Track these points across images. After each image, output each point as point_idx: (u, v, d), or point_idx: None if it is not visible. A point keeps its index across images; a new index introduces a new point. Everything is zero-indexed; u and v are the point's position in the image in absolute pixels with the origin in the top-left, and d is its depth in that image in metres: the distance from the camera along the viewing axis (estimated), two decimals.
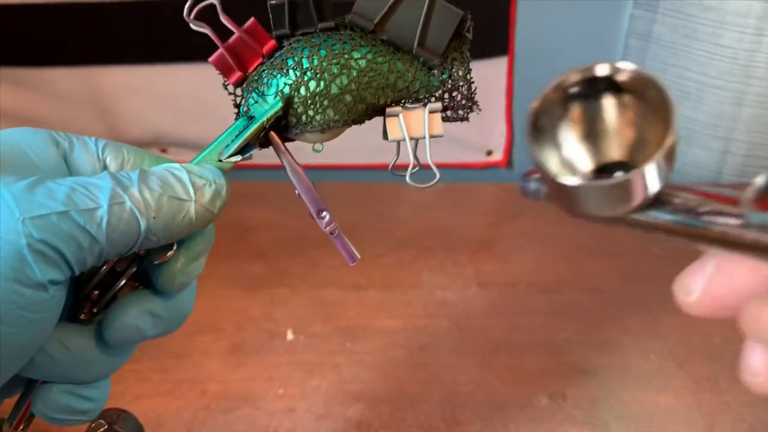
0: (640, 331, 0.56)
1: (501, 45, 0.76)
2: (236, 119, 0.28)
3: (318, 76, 0.27)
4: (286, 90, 0.27)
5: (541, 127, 0.20)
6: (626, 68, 0.19)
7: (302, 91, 0.27)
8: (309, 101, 0.27)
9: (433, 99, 0.29)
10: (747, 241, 0.17)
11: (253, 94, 0.28)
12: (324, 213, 0.28)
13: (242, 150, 0.27)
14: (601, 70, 0.19)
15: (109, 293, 0.25)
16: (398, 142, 0.29)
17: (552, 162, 0.20)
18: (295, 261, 0.65)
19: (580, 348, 0.55)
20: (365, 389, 0.51)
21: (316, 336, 0.56)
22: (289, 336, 0.57)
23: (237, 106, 0.29)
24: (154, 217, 0.22)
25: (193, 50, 0.77)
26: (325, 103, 0.27)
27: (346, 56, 0.27)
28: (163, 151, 0.85)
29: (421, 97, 0.29)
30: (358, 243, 0.29)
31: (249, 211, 0.74)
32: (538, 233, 0.70)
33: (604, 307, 0.59)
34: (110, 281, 0.25)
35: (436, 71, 0.29)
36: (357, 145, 0.74)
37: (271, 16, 0.28)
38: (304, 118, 0.27)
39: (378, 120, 0.29)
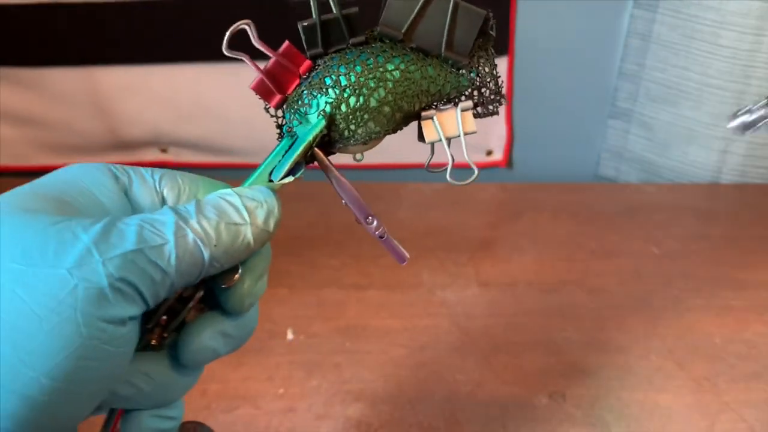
0: (640, 331, 0.56)
1: (501, 45, 0.76)
2: (279, 140, 0.29)
3: (357, 91, 0.28)
4: (328, 108, 0.28)
5: None
6: None
7: (343, 107, 0.28)
8: (350, 116, 0.28)
9: (463, 98, 0.30)
10: None
11: (296, 115, 0.29)
12: (371, 218, 0.29)
13: (292, 170, 0.28)
14: None
15: (179, 318, 0.26)
16: (432, 144, 0.30)
17: None
18: (294, 261, 0.65)
19: (580, 348, 0.55)
20: (365, 389, 0.51)
21: (316, 336, 0.56)
22: (289, 336, 0.57)
23: (279, 127, 0.30)
24: (215, 245, 0.23)
25: (193, 50, 0.77)
26: (366, 116, 0.28)
27: (381, 69, 0.28)
28: (163, 151, 0.85)
29: (452, 97, 0.30)
30: (357, 243, 0.30)
31: None
32: (538, 233, 0.70)
33: (604, 307, 0.59)
34: (178, 307, 0.26)
35: (464, 71, 0.30)
36: None
37: (303, 36, 0.28)
38: (346, 133, 0.28)
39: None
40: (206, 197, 0.25)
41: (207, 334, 0.26)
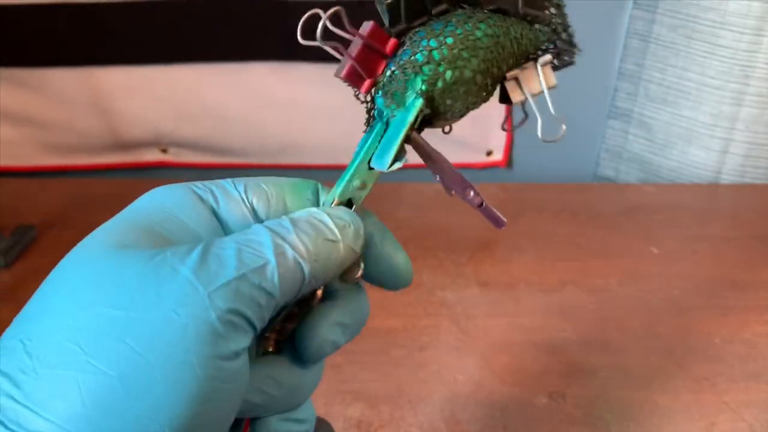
0: (640, 331, 0.56)
1: None
2: (368, 125, 0.28)
3: (452, 64, 0.27)
4: (425, 87, 0.27)
5: None
6: None
7: (439, 83, 0.27)
8: (447, 91, 0.27)
9: (539, 53, 0.29)
10: None
11: (391, 98, 0.27)
12: (469, 189, 0.29)
13: (398, 156, 0.26)
14: None
15: (294, 323, 0.26)
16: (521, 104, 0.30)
17: None
18: None
19: (580, 348, 0.55)
20: (365, 389, 0.51)
21: None
22: None
23: (368, 111, 0.29)
24: (315, 260, 0.23)
25: (193, 50, 0.77)
26: (462, 89, 0.27)
27: (471, 38, 0.27)
28: (163, 151, 0.85)
29: (531, 54, 0.29)
30: None
31: None
32: (538, 233, 0.70)
33: (604, 307, 0.59)
34: (295, 312, 0.26)
35: (539, 26, 0.29)
36: (357, 145, 0.74)
37: (387, 14, 0.27)
38: (443, 108, 0.27)
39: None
40: (295, 215, 0.24)
41: (325, 328, 0.26)
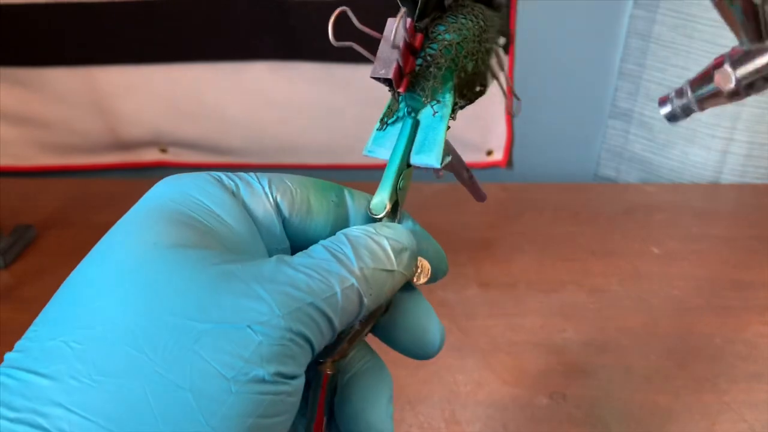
0: (640, 331, 0.56)
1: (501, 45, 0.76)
2: (385, 123, 0.28)
3: (473, 57, 0.27)
4: (455, 80, 0.27)
5: None
6: None
7: (462, 75, 0.27)
8: (467, 82, 0.28)
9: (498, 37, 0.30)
10: None
11: (429, 93, 0.27)
12: (468, 172, 0.30)
13: (446, 150, 0.27)
14: None
15: (351, 348, 0.26)
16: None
17: None
18: None
19: (580, 348, 0.55)
20: None
21: None
22: None
23: (389, 108, 0.29)
24: (371, 294, 0.22)
25: (193, 50, 0.77)
26: (476, 79, 0.28)
27: (478, 30, 0.28)
28: (163, 151, 0.85)
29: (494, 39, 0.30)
30: None
31: None
32: (538, 233, 0.70)
33: (604, 307, 0.59)
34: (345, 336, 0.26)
35: (495, 7, 0.30)
36: (357, 144, 0.74)
37: (419, 8, 0.27)
38: (463, 101, 0.28)
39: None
40: (352, 234, 0.24)
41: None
